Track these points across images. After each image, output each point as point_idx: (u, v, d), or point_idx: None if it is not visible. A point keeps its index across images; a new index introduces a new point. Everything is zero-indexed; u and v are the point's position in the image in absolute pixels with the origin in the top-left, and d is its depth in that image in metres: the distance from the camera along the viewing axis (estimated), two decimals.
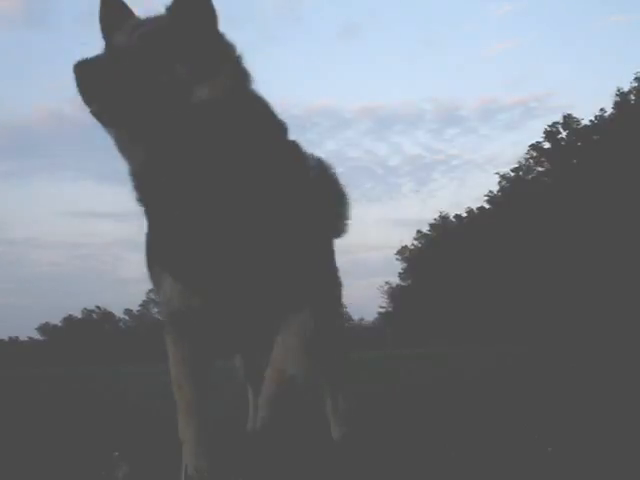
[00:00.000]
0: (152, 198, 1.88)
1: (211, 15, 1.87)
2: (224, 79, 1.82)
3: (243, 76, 1.90)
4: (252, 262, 1.82)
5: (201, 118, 1.77)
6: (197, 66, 1.79)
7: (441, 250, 49.70)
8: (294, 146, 2.07)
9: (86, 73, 1.68)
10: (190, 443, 2.07)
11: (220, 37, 1.89)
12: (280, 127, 1.99)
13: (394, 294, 63.66)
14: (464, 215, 50.95)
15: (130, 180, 1.90)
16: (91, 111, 1.72)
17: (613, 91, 33.19)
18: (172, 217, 1.82)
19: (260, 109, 1.93)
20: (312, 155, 2.37)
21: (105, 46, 1.90)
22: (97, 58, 1.74)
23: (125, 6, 1.97)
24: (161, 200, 1.83)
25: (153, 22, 1.88)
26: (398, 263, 61.35)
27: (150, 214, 1.94)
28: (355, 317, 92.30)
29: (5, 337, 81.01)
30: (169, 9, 1.88)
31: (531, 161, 37.30)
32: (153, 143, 1.78)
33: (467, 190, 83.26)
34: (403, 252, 61.06)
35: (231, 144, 1.81)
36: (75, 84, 1.69)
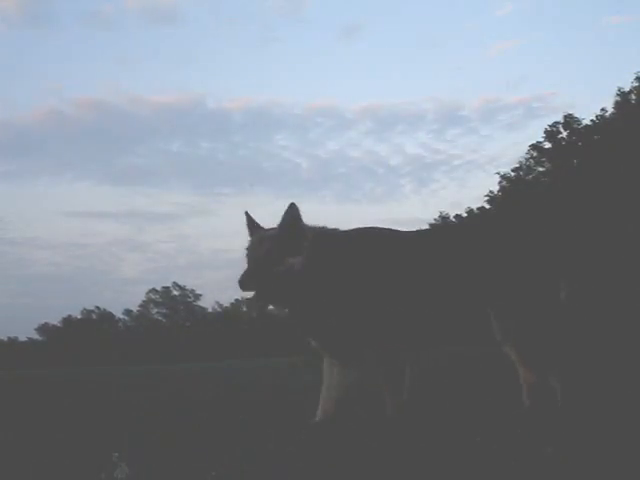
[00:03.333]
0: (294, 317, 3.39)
1: (299, 220, 3.31)
2: (307, 251, 3.23)
3: (311, 240, 3.28)
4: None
5: (302, 273, 3.20)
6: (293, 251, 3.22)
7: None
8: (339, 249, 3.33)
9: (244, 285, 3.14)
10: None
11: (302, 229, 3.30)
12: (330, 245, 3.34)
13: None
14: (464, 215, 50.86)
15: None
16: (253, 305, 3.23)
17: (614, 91, 33.09)
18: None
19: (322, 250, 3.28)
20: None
21: (248, 245, 3.38)
22: (245, 273, 3.17)
23: (255, 221, 3.48)
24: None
25: (270, 237, 3.28)
26: None
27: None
28: None
29: (5, 337, 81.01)
30: (279, 226, 3.29)
31: (531, 161, 37.18)
32: (287, 300, 3.29)
33: (468, 190, 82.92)
34: None
35: (312, 280, 3.22)
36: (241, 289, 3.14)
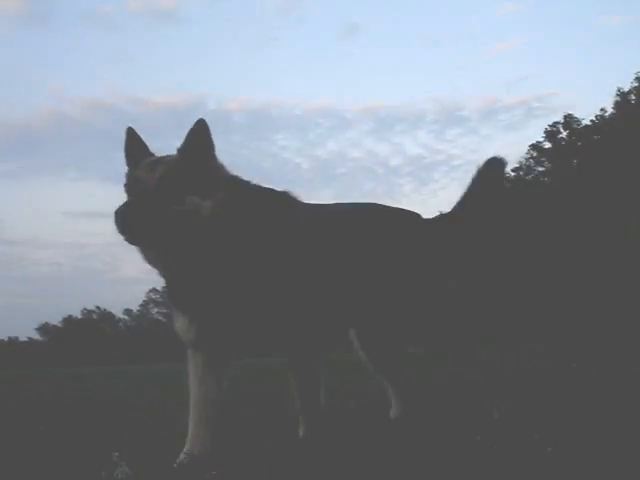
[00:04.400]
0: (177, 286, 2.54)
1: (211, 149, 2.38)
2: (220, 194, 2.33)
3: (228, 185, 2.41)
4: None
5: (209, 225, 2.30)
6: (201, 189, 2.28)
7: None
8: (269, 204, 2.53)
9: (122, 218, 2.16)
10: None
11: (215, 162, 2.41)
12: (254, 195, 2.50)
13: None
14: None
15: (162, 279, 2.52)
16: (126, 239, 2.22)
17: (613, 91, 33.16)
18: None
19: (243, 199, 2.42)
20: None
21: (128, 177, 2.39)
22: (128, 204, 2.21)
23: (143, 142, 2.48)
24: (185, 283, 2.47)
25: (166, 163, 2.33)
26: None
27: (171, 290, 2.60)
28: None
29: (5, 337, 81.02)
30: (180, 149, 2.37)
31: (531, 161, 37.23)
32: (176, 253, 2.33)
33: None
34: None
35: (228, 235, 2.36)
36: (117, 226, 2.18)
